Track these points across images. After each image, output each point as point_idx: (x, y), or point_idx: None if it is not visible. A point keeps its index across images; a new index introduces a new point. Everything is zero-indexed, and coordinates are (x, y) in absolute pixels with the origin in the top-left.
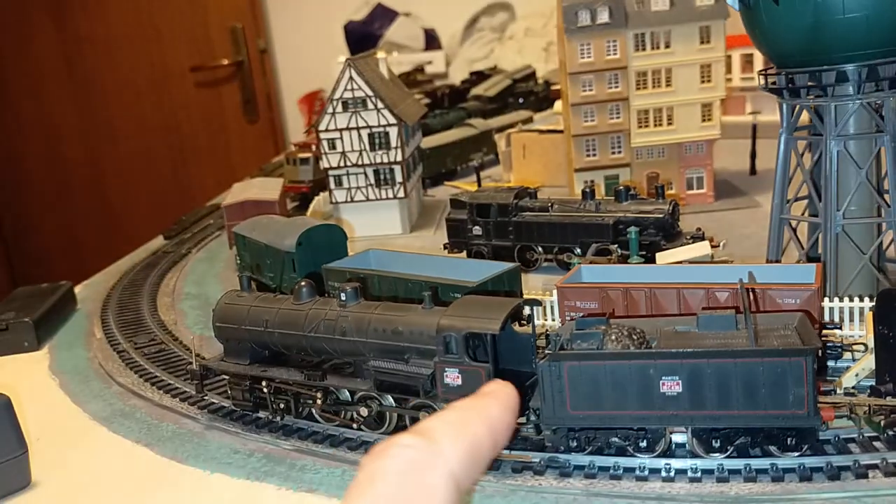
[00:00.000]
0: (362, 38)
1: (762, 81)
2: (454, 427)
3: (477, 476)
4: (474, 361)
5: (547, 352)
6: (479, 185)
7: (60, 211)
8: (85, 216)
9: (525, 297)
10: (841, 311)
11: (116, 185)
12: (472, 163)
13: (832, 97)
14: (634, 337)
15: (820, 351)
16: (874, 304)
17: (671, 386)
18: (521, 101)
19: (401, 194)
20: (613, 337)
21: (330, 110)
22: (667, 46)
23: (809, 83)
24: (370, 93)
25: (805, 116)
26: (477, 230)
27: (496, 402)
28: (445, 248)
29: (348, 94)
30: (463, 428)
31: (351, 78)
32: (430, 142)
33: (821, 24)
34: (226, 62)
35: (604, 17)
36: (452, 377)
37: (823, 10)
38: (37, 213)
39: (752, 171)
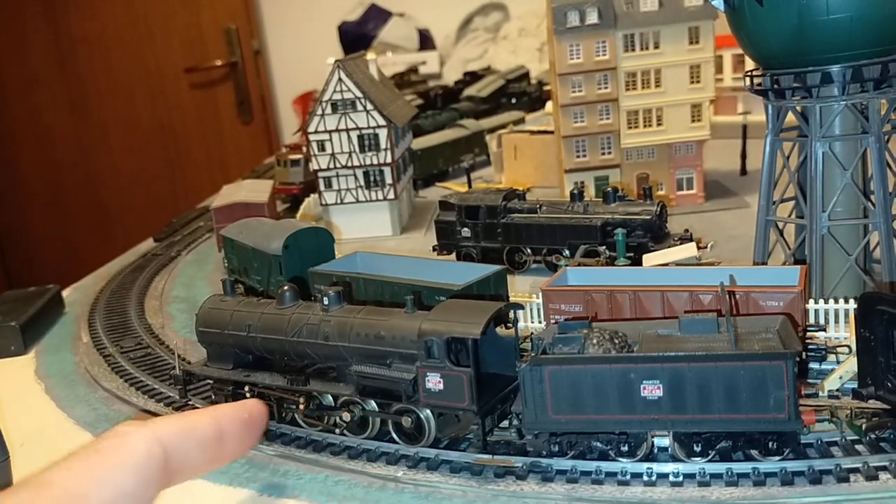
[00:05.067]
0: (356, 38)
1: (748, 83)
2: (173, 416)
3: (198, 450)
4: (456, 366)
5: (529, 355)
6: (470, 186)
7: (54, 212)
8: (78, 218)
9: (508, 300)
10: (826, 312)
11: (110, 186)
12: (463, 164)
13: (817, 98)
14: (616, 341)
15: (801, 354)
16: (857, 305)
17: (652, 390)
18: (513, 101)
19: (391, 196)
20: (595, 341)
21: (319, 112)
22: (656, 47)
23: (794, 84)
24: (359, 94)
25: (792, 117)
26: (466, 232)
27: (232, 404)
28: (435, 249)
29: (337, 96)
30: (181, 416)
31: (340, 79)
32: (421, 143)
33: (805, 25)
34: (220, 63)
35: (593, 17)
36: (434, 382)
37: (808, 11)
38: (30, 215)
39: (743, 171)
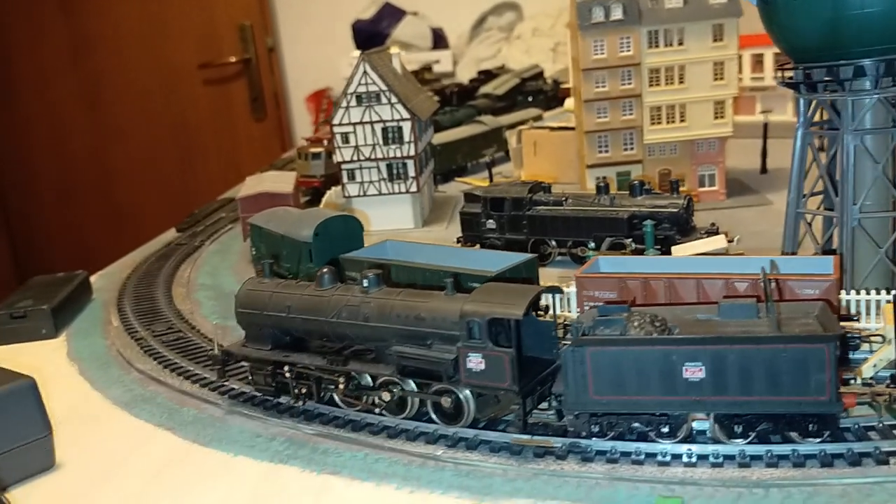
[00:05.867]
0: (370, 36)
1: (779, 76)
2: None
3: None
4: (497, 347)
5: (569, 338)
6: (491, 180)
7: (66, 207)
8: (91, 212)
9: (547, 285)
10: (858, 303)
11: (123, 181)
12: (482, 159)
13: (849, 92)
14: (657, 323)
15: (843, 338)
16: (893, 296)
17: (694, 372)
18: (529, 99)
19: (413, 189)
20: (636, 323)
21: (344, 104)
22: (680, 44)
23: (826, 78)
24: (384, 87)
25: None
26: (491, 224)
27: None
28: (459, 241)
29: (362, 89)
30: None
31: (365, 72)
32: (440, 138)
33: (839, 18)
34: (234, 60)
35: (617, 13)
36: (476, 362)
37: (842, 4)
38: (43, 210)
39: (763, 169)
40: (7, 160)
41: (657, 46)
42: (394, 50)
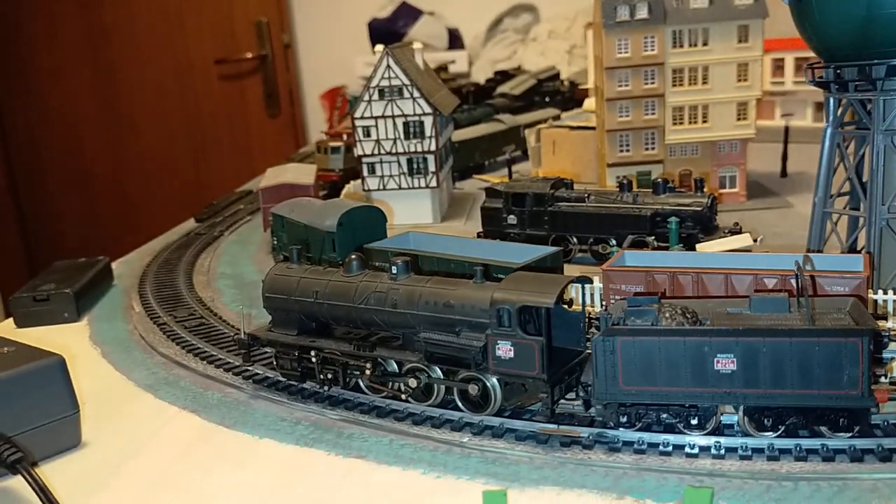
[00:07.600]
0: (386, 35)
1: (809, 75)
2: None
3: None
4: (527, 335)
5: (597, 330)
6: (511, 178)
7: (79, 199)
8: (103, 205)
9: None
10: (885, 302)
11: (136, 174)
12: (500, 157)
13: (881, 91)
14: (688, 315)
15: (876, 335)
16: None
17: (725, 364)
18: (546, 100)
19: (433, 184)
20: (667, 314)
21: (366, 98)
22: (704, 44)
23: (857, 77)
24: (407, 81)
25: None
26: (512, 219)
27: None
28: (479, 237)
29: (385, 83)
30: None
31: (388, 66)
32: (458, 136)
33: (873, 17)
34: (250, 56)
35: (643, 12)
36: (505, 350)
37: (876, 3)
38: (56, 200)
39: (783, 173)
40: (22, 150)
41: (681, 46)
42: (416, 45)
